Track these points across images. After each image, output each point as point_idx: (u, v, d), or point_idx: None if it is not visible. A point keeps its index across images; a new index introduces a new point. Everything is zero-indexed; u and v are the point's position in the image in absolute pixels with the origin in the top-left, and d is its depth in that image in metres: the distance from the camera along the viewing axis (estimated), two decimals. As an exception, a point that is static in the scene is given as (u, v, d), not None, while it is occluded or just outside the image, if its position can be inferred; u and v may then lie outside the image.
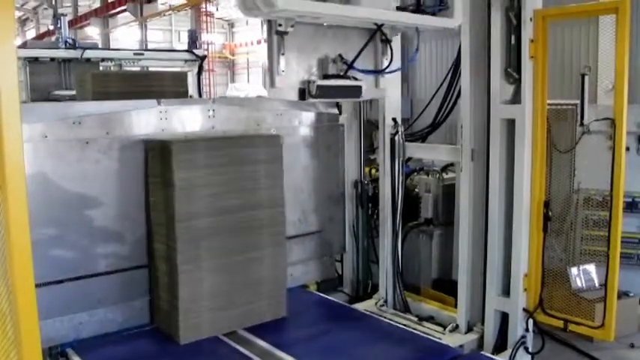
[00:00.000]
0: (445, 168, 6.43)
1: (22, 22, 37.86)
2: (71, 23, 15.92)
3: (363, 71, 3.70)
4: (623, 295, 5.61)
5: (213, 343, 4.65)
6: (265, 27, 3.55)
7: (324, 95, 3.67)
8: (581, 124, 4.74)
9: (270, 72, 3.58)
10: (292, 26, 3.42)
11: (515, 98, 4.85)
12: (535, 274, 4.88)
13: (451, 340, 5.07)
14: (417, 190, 6.35)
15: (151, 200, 4.78)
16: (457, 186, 5.43)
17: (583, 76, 4.72)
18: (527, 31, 4.68)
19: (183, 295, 4.53)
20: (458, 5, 3.83)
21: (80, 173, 4.57)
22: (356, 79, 3.78)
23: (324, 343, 4.77)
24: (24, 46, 10.82)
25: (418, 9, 3.75)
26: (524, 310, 4.93)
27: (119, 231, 4.78)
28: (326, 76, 3.73)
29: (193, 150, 4.55)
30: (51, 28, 19.73)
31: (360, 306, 5.85)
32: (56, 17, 11.28)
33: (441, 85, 5.98)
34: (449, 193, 6.05)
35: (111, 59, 10.89)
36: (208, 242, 4.63)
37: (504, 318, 5.04)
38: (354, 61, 3.68)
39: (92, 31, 27.59)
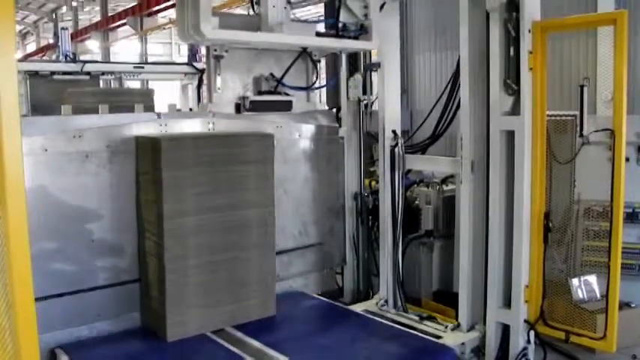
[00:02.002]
0: (445, 180, 6.42)
1: (23, 35, 37.95)
2: (72, 37, 15.97)
3: (292, 88, 4.11)
4: (624, 305, 5.59)
5: (201, 340, 4.62)
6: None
7: (258, 109, 4.18)
8: (581, 135, 4.75)
9: (209, 90, 3.99)
10: (226, 51, 3.88)
11: (515, 110, 4.86)
12: (536, 286, 4.87)
13: (453, 337, 5.06)
14: (417, 202, 6.34)
15: (141, 197, 4.78)
16: (457, 198, 5.42)
17: (582, 87, 4.73)
18: (526, 43, 4.69)
19: (170, 292, 4.52)
20: (375, 30, 4.27)
21: (80, 186, 4.57)
22: (287, 94, 4.06)
23: (315, 341, 4.74)
24: (24, 59, 10.87)
25: (338, 34, 4.18)
26: (525, 321, 4.91)
27: (119, 244, 4.78)
28: (260, 93, 4.06)
29: (182, 148, 4.55)
30: (51, 42, 19.79)
31: (361, 306, 5.87)
32: (57, 35, 11.35)
33: (441, 96, 6.00)
34: (449, 204, 6.04)
35: (111, 72, 10.92)
36: (196, 240, 4.63)
37: (505, 330, 5.03)
38: (281, 78, 4.22)
39: (92, 45, 27.65)
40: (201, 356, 4.43)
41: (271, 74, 4.15)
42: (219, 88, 3.92)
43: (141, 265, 4.84)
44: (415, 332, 5.04)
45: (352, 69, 6.23)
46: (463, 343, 5.06)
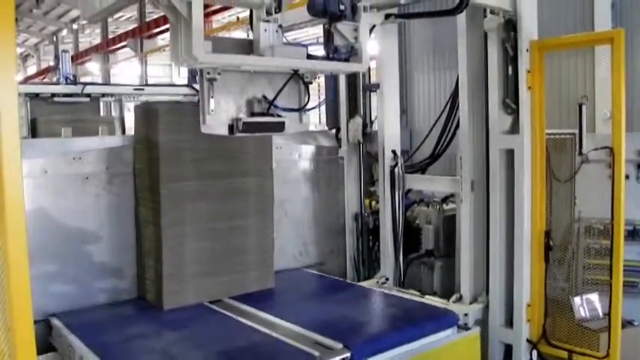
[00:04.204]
0: (445, 199, 6.41)
1: (24, 58, 38.16)
2: (72, 59, 16.08)
3: (284, 109, 4.35)
4: (627, 324, 5.54)
5: (197, 308, 4.58)
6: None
7: (250, 130, 4.24)
8: (580, 153, 4.75)
9: (202, 111, 4.06)
10: (219, 74, 3.99)
11: (514, 128, 4.87)
12: (538, 305, 4.84)
13: (455, 308, 4.99)
14: (417, 221, 6.33)
15: (135, 166, 4.78)
16: (458, 217, 5.42)
17: (580, 105, 4.75)
18: (524, 62, 4.72)
19: (167, 259, 4.50)
20: (365, 53, 4.39)
21: (80, 208, 4.57)
22: (280, 116, 4.34)
23: (314, 308, 4.73)
24: (25, 81, 10.95)
25: (329, 57, 4.34)
26: (527, 341, 4.88)
27: (118, 266, 4.77)
28: (253, 114, 4.26)
29: (180, 113, 4.58)
30: (52, 64, 19.90)
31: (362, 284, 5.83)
32: (57, 57, 11.41)
33: (440, 116, 6.01)
34: (450, 224, 6.02)
35: (111, 95, 10.93)
36: (193, 206, 4.63)
37: (508, 349, 4.99)
38: (273, 100, 4.29)
39: (93, 67, 27.78)
40: (195, 321, 4.35)
41: (264, 96, 4.28)
42: (212, 110, 4.02)
43: (137, 235, 4.82)
44: (416, 299, 5.02)
45: (351, 88, 6.27)
46: (466, 314, 5.00)
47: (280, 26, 4.15)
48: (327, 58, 4.37)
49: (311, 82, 4.54)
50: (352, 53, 4.40)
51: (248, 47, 4.21)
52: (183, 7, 3.59)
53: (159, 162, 4.48)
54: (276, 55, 4.08)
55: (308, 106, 4.53)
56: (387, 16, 5.01)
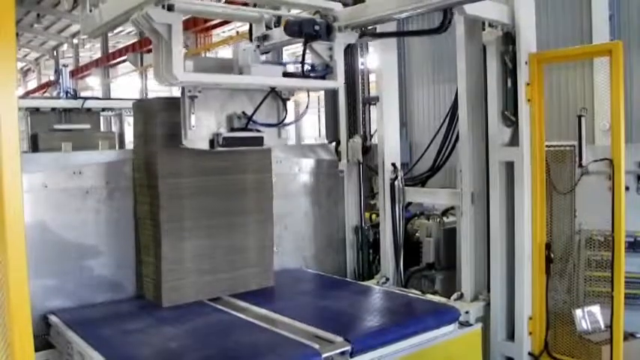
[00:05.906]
0: (446, 212, 6.41)
1: (24, 72, 38.27)
2: (72, 73, 16.19)
3: (262, 124, 4.53)
4: (629, 336, 5.52)
5: (197, 306, 4.56)
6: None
7: (230, 145, 4.38)
8: (580, 165, 4.75)
9: (184, 127, 4.21)
10: (200, 91, 4.19)
11: (513, 141, 4.88)
12: (539, 317, 4.83)
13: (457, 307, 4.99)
14: (417, 234, 6.32)
15: (134, 162, 4.78)
16: (458, 230, 5.41)
17: (580, 117, 4.76)
18: (523, 75, 4.73)
19: (166, 254, 4.50)
20: (340, 70, 4.62)
21: (80, 222, 4.57)
22: (259, 131, 4.52)
23: (315, 304, 4.73)
24: (25, 96, 11.02)
25: (304, 74, 4.53)
26: (529, 354, 4.86)
27: (119, 280, 4.75)
28: (233, 129, 4.43)
29: (177, 108, 4.52)
30: (52, 78, 19.95)
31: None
32: (58, 72, 11.48)
33: (439, 129, 6.03)
34: (450, 237, 6.02)
35: (111, 109, 10.97)
36: (192, 202, 4.63)
37: (510, 362, 4.98)
38: (251, 116, 4.46)
39: (93, 81, 27.85)
40: (194, 316, 4.33)
41: (243, 112, 4.45)
42: (193, 126, 4.19)
43: (136, 234, 4.81)
44: (416, 295, 5.02)
45: (351, 101, 6.28)
46: (467, 312, 4.95)
47: (258, 46, 4.43)
48: (302, 75, 4.50)
49: (288, 99, 4.70)
50: (328, 71, 4.53)
51: (229, 66, 4.38)
52: (164, 30, 3.76)
53: (157, 157, 4.48)
54: (253, 73, 4.27)
55: (286, 121, 4.68)
56: (362, 35, 5.07)
